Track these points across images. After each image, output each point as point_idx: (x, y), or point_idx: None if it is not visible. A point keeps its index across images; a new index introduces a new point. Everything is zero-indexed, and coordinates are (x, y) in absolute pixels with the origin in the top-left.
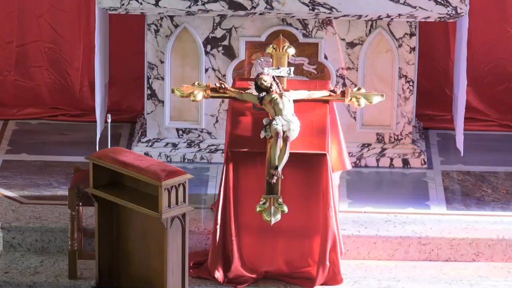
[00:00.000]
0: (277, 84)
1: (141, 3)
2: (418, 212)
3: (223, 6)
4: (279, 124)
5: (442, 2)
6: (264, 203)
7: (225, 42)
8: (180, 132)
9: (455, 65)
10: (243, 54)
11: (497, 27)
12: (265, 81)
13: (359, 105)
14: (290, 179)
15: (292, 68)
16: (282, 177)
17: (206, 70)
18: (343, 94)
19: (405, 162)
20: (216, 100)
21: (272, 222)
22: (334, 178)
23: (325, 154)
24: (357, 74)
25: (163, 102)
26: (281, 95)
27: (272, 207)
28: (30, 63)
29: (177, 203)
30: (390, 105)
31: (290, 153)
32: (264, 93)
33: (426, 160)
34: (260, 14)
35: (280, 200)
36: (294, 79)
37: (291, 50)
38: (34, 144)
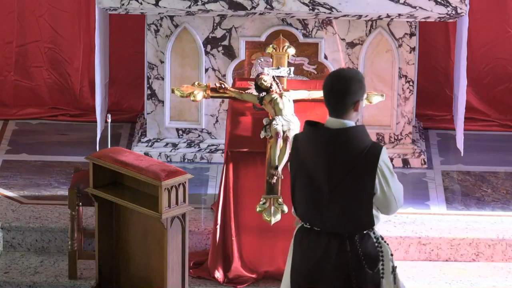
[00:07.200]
0: (277, 84)
1: (141, 3)
2: (418, 212)
3: (223, 6)
4: (279, 124)
5: (442, 2)
6: (264, 203)
7: (225, 42)
8: (180, 132)
9: (455, 65)
10: (243, 54)
11: (497, 27)
12: (265, 81)
13: None
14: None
15: (292, 68)
16: (282, 177)
17: (206, 70)
18: None
19: (405, 162)
20: (216, 100)
21: (272, 222)
22: None
23: None
24: None
25: (163, 102)
26: (281, 95)
27: (272, 207)
28: (30, 63)
29: (177, 203)
30: (390, 105)
31: None
32: (264, 93)
33: (426, 160)
34: (260, 14)
35: (280, 200)
36: (294, 79)
37: (291, 50)
38: (34, 144)
